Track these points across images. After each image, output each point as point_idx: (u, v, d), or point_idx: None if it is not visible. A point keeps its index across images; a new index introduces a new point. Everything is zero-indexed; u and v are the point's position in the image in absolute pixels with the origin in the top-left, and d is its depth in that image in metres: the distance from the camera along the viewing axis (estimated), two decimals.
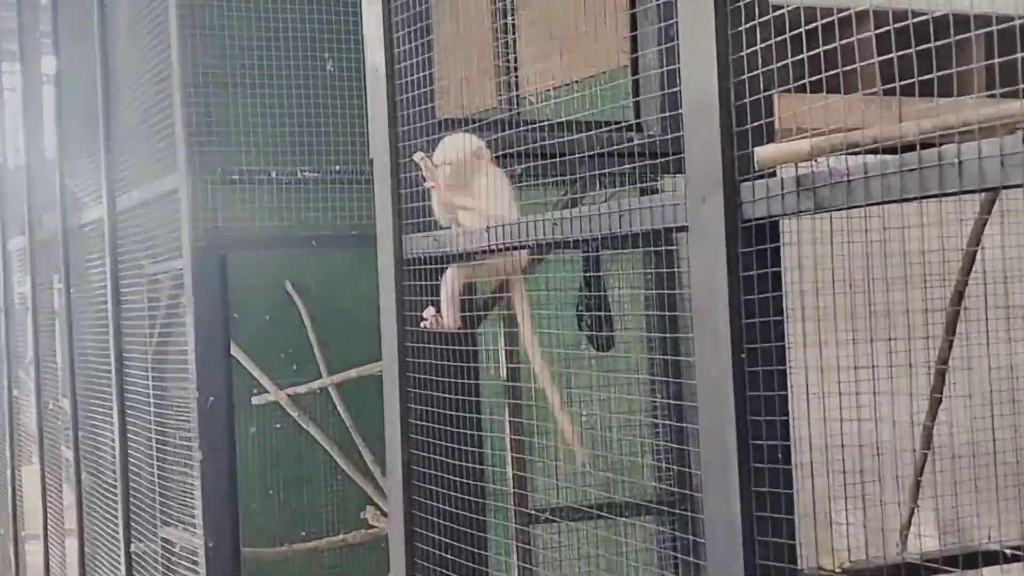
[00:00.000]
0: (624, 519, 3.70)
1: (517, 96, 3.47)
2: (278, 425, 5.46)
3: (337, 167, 4.43)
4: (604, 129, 2.57)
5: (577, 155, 2.41)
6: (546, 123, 2.45)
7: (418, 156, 2.55)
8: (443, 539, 2.58)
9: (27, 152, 7.44)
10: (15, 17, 7.59)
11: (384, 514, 5.05)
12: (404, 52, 2.65)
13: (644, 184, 3.55)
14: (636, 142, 2.21)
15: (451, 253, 2.54)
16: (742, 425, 1.64)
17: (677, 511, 3.50)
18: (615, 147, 2.25)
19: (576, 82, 3.40)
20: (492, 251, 2.48)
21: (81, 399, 5.92)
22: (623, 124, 2.93)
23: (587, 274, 3.64)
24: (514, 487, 3.74)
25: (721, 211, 1.63)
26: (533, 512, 3.85)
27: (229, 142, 4.29)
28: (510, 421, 3.72)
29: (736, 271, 1.64)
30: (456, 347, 2.64)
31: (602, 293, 3.75)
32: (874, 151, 1.53)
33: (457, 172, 2.56)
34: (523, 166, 2.68)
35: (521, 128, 2.77)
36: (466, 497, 2.57)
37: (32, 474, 7.70)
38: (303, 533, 5.37)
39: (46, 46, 6.98)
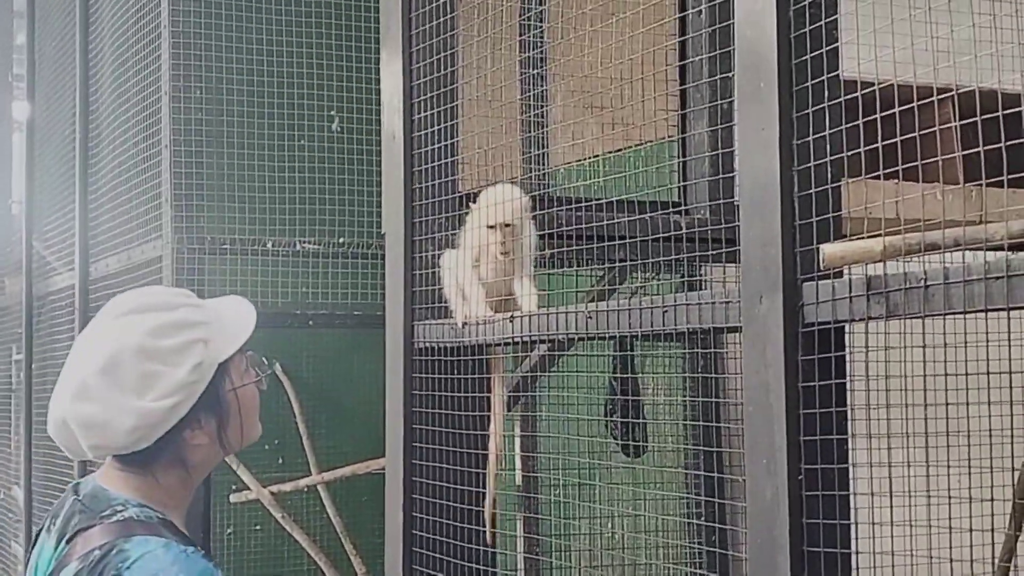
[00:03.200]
0: None
1: (547, 170, 3.51)
2: (258, 527, 5.43)
3: (341, 239, 4.46)
4: (647, 214, 2.59)
5: (616, 239, 2.43)
6: (586, 203, 2.48)
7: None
8: None
9: None
10: None
11: None
12: (424, 119, 2.69)
13: (684, 277, 3.57)
14: (684, 230, 2.23)
15: (468, 344, 2.56)
16: (797, 557, 1.63)
17: None
18: (659, 234, 2.27)
19: (614, 153, 3.45)
20: (515, 343, 2.50)
21: (36, 488, 5.91)
22: (669, 207, 2.96)
23: (617, 375, 3.65)
24: None
25: (780, 312, 1.64)
26: None
27: (221, 207, 4.33)
28: (524, 537, 3.71)
29: (795, 380, 1.65)
30: (467, 450, 2.64)
31: (634, 397, 3.76)
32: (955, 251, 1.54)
33: (513, 236, 2.60)
34: (553, 251, 2.71)
35: (553, 208, 2.80)
36: None
37: (18, 555, 7.68)
38: None
39: (19, 91, 7.09)
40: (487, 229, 2.67)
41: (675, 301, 1.92)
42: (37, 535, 2.04)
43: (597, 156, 3.31)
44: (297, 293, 4.43)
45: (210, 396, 1.93)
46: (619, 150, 3.50)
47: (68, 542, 1.91)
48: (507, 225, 2.65)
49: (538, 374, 2.81)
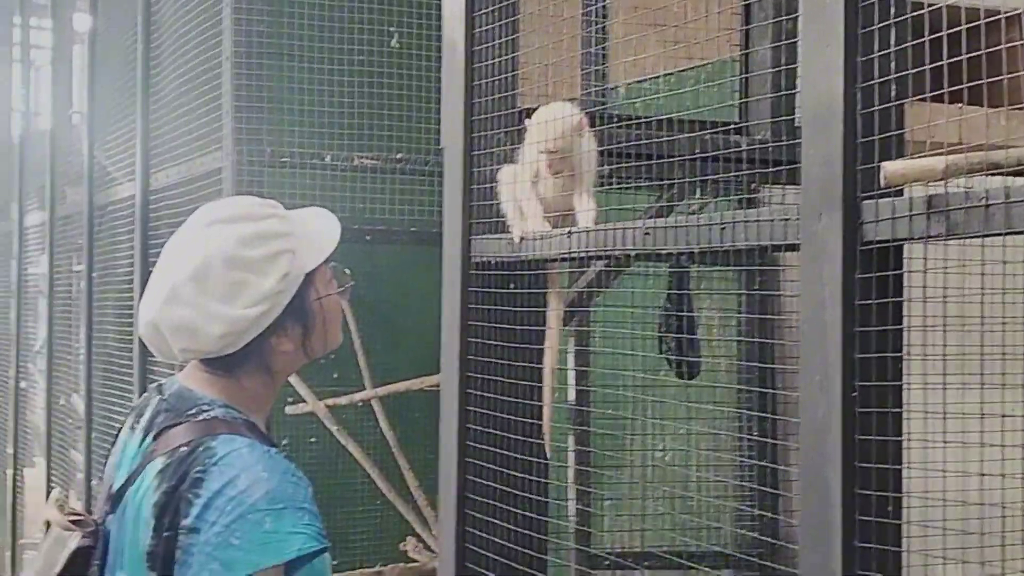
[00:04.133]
0: (701, 568, 3.72)
1: (605, 88, 3.50)
2: (313, 439, 5.53)
3: (399, 155, 4.48)
4: (706, 131, 2.59)
5: (675, 157, 2.44)
6: (642, 120, 2.48)
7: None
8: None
9: (53, 118, 7.59)
10: None
11: (426, 547, 5.09)
12: (485, 32, 2.69)
13: (743, 195, 3.57)
14: (745, 148, 2.23)
15: (527, 258, 2.58)
16: (848, 472, 1.65)
17: (763, 563, 3.51)
18: (719, 151, 2.27)
19: (674, 73, 3.44)
20: (571, 259, 2.51)
21: (97, 396, 6.03)
22: (729, 126, 2.95)
23: (672, 291, 3.66)
24: (577, 524, 3.78)
25: (839, 230, 1.65)
26: (597, 554, 3.88)
27: (281, 121, 4.36)
28: (576, 450, 3.75)
29: (852, 299, 1.66)
30: (523, 363, 2.67)
31: (689, 314, 3.77)
32: (1018, 173, 1.54)
33: (560, 156, 2.61)
34: (612, 167, 2.72)
35: (611, 125, 2.80)
36: (526, 532, 2.60)
37: (36, 477, 7.84)
38: (334, 562, 5.43)
39: (81, 2, 7.13)
40: (539, 146, 2.68)
41: (733, 218, 1.93)
42: (116, 435, 2.11)
43: (658, 75, 3.30)
44: (354, 208, 4.46)
45: (296, 305, 2.00)
46: (681, 70, 3.49)
47: (155, 439, 1.98)
48: (553, 152, 2.66)
49: (594, 290, 2.83)
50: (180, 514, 1.85)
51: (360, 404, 5.31)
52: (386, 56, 4.64)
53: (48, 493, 7.18)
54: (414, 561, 5.20)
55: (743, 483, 3.84)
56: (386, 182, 4.51)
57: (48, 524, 2.09)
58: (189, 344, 1.97)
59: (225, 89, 4.26)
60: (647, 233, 2.14)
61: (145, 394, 2.13)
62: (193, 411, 1.97)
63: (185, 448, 1.90)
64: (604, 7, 3.60)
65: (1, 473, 8.86)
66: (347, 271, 2.13)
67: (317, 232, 2.08)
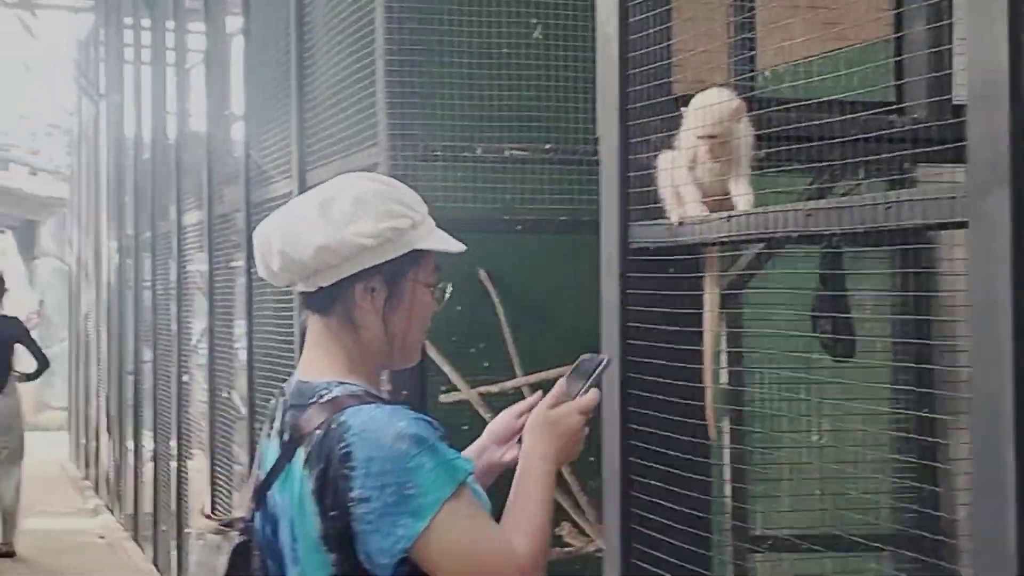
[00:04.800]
0: (856, 554, 3.71)
1: (757, 73, 3.51)
2: (466, 426, 5.60)
3: (548, 145, 4.54)
4: (861, 113, 2.60)
5: (830, 139, 2.45)
6: (797, 103, 2.50)
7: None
8: (664, 558, 2.66)
9: (209, 119, 7.82)
10: None
11: (581, 531, 5.15)
12: (638, 23, 2.73)
13: (894, 176, 3.54)
14: (903, 127, 2.23)
15: (685, 243, 2.62)
16: (1022, 447, 1.66)
17: (924, 544, 3.48)
18: (876, 132, 2.28)
19: (825, 56, 3.43)
20: (729, 243, 2.55)
21: (259, 391, 6.21)
22: (883, 107, 2.95)
23: (825, 271, 3.66)
24: (732, 508, 3.80)
25: (1008, 207, 1.66)
26: (751, 539, 3.90)
27: (433, 115, 4.46)
28: (731, 429, 3.77)
29: (1022, 274, 1.66)
30: (682, 346, 2.71)
31: (842, 293, 3.76)
32: None
33: (721, 138, 2.65)
34: (766, 150, 2.74)
35: (768, 109, 2.82)
36: (691, 512, 2.64)
37: (198, 470, 8.09)
38: None
39: (233, 3, 7.34)
40: (697, 132, 2.72)
41: (898, 197, 1.94)
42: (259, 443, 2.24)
43: (810, 57, 3.30)
44: (504, 199, 4.54)
45: (392, 269, 2.12)
46: (831, 51, 3.48)
47: (289, 435, 2.09)
48: (712, 137, 2.70)
49: (749, 272, 2.85)
50: (341, 491, 1.96)
51: (511, 391, 5.38)
52: (534, 47, 4.70)
53: (212, 485, 7.43)
54: (569, 546, 5.26)
55: (903, 465, 3.81)
56: (536, 172, 4.57)
57: (200, 535, 2.23)
58: (289, 248, 2.09)
59: (379, 86, 4.37)
60: (808, 215, 2.16)
61: (272, 401, 2.24)
62: (314, 399, 2.08)
63: (319, 431, 2.01)
64: None
65: (165, 466, 9.17)
66: (450, 288, 2.23)
67: (442, 233, 2.20)
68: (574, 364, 2.31)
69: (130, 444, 11.08)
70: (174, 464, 8.69)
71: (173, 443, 8.71)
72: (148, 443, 10.16)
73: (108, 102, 13.17)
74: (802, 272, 3.73)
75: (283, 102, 5.69)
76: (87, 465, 14.78)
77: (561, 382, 2.26)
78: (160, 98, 9.90)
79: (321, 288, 2.11)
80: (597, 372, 2.24)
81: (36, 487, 13.27)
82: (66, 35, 17.35)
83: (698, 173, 2.70)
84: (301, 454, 2.03)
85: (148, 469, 10.05)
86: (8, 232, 26.78)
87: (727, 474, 3.82)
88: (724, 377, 4.06)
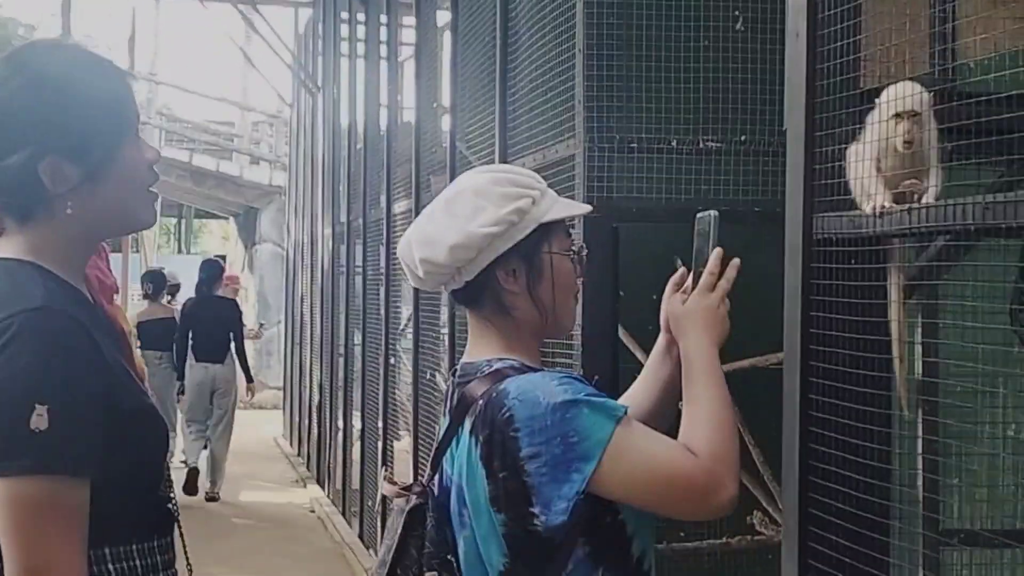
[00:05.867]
0: None
1: (953, 65, 3.50)
2: None
3: (743, 137, 4.58)
4: None
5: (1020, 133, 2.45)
6: (990, 96, 2.50)
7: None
8: (841, 554, 2.70)
9: (417, 111, 8.08)
10: None
11: (772, 521, 5.18)
12: (828, 17, 2.78)
13: None
14: None
15: (866, 235, 2.66)
16: None
17: None
18: None
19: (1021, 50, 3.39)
20: (912, 235, 2.57)
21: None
22: None
23: None
24: (924, 502, 3.78)
25: None
26: (943, 532, 3.88)
27: (629, 108, 4.55)
28: (924, 420, 3.75)
29: None
30: (869, 336, 2.74)
31: None
32: None
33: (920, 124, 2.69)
34: (954, 143, 2.75)
35: (957, 102, 2.83)
36: (871, 499, 2.68)
37: (404, 450, 8.37)
38: (682, 533, 5.58)
39: None
40: (891, 121, 2.75)
41: None
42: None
43: (1014, 51, 3.26)
44: (699, 190, 4.59)
45: (526, 247, 2.24)
46: None
47: (455, 407, 2.23)
48: (915, 114, 2.73)
49: (937, 264, 2.86)
50: (510, 453, 2.09)
51: None
52: (731, 40, 4.73)
53: (414, 464, 7.69)
54: (761, 534, 5.29)
55: None
56: (730, 163, 4.61)
57: (384, 499, 2.41)
58: (428, 254, 2.23)
59: (578, 80, 4.48)
60: (986, 208, 2.18)
61: (447, 383, 2.39)
62: (477, 373, 2.22)
63: (481, 401, 2.15)
64: None
65: (373, 444, 9.50)
66: (584, 248, 2.33)
67: (566, 201, 2.31)
68: (694, 230, 2.38)
69: (340, 423, 11.50)
70: (380, 443, 8.99)
71: (380, 423, 9.01)
72: (356, 422, 10.54)
73: (324, 94, 13.64)
74: (1001, 265, 3.69)
75: (487, 95, 5.86)
76: (299, 442, 15.37)
77: (676, 277, 2.34)
78: (373, 90, 10.23)
79: (467, 283, 2.25)
80: (714, 229, 2.32)
81: (251, 462, 13.93)
82: (286, 30, 18.03)
83: (885, 165, 2.74)
84: (467, 424, 2.17)
85: (356, 447, 10.44)
86: (231, 219, 27.93)
87: (919, 464, 3.81)
88: (919, 367, 4.05)
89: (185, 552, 2.35)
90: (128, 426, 2.06)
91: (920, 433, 3.82)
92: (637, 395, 2.49)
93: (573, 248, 2.31)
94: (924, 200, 2.61)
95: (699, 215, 2.41)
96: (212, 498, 12.04)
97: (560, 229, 2.29)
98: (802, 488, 2.78)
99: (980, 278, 3.48)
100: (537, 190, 2.26)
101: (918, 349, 3.90)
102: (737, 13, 4.80)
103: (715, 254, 2.35)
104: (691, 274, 2.37)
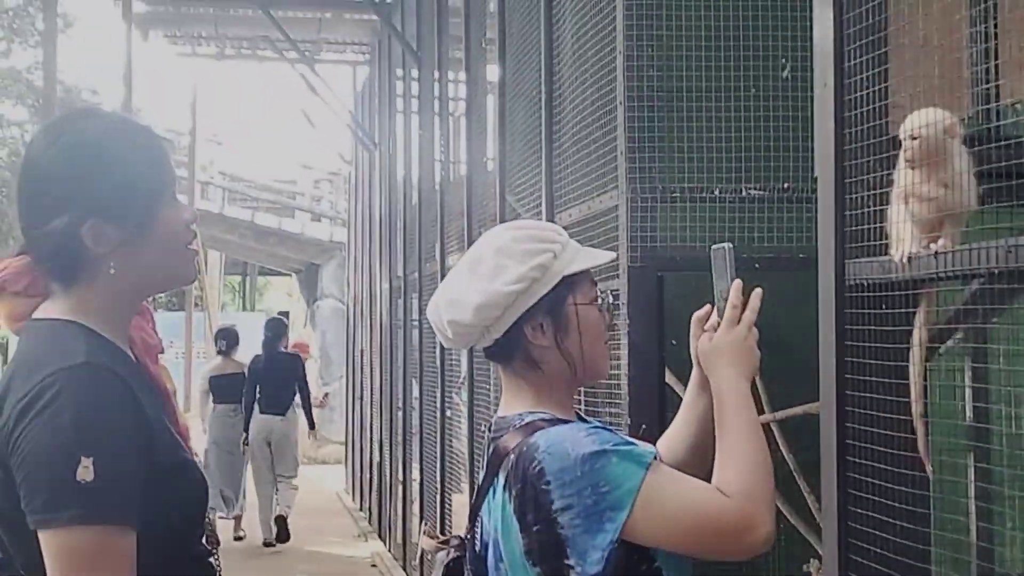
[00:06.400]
0: None
1: (987, 108, 3.51)
2: None
3: (785, 184, 4.60)
4: None
5: None
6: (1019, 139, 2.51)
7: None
8: None
9: (468, 165, 8.17)
10: (462, 24, 8.37)
11: None
12: (856, 66, 2.81)
13: None
14: None
15: (897, 280, 2.67)
16: None
17: None
18: None
19: None
20: (940, 279, 2.58)
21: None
22: None
23: None
24: (979, 543, 3.75)
25: None
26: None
27: (672, 158, 4.58)
28: (976, 467, 3.73)
29: None
30: (904, 380, 2.74)
31: None
32: None
33: (923, 149, 2.68)
34: (987, 186, 2.76)
35: (988, 145, 2.84)
36: (911, 544, 2.67)
37: (462, 503, 8.39)
38: None
39: (491, 54, 7.66)
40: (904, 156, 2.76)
41: None
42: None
43: None
44: (743, 238, 4.60)
45: (551, 301, 2.28)
46: None
47: (489, 461, 2.27)
48: (914, 137, 2.74)
49: (971, 307, 2.86)
50: (542, 506, 2.11)
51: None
52: (772, 90, 4.75)
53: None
54: None
55: None
56: (773, 211, 4.62)
57: (423, 552, 2.45)
58: (454, 315, 2.27)
59: (619, 132, 4.53)
60: (1009, 251, 2.20)
61: (484, 439, 2.42)
62: (510, 428, 2.25)
63: (513, 456, 2.18)
64: (994, 27, 3.60)
65: (432, 497, 9.52)
66: (614, 298, 2.37)
67: (588, 250, 2.34)
68: (711, 263, 2.41)
69: (400, 476, 11.54)
70: (439, 496, 9.02)
71: (438, 476, 9.04)
72: (416, 475, 10.57)
73: (381, 150, 13.82)
74: None
75: (534, 148, 5.93)
76: (361, 496, 15.42)
77: (700, 313, 2.36)
78: (427, 145, 10.36)
79: (496, 340, 2.28)
80: (730, 262, 2.33)
81: (314, 516, 14.01)
82: (345, 88, 18.29)
83: (913, 206, 2.75)
84: (501, 478, 2.20)
85: (416, 501, 10.47)
86: (293, 275, 28.23)
87: (971, 510, 3.78)
88: (968, 412, 4.02)
89: None
90: (168, 479, 2.12)
91: (972, 479, 3.80)
92: (678, 431, 2.51)
93: (600, 296, 2.35)
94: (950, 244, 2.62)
95: (714, 248, 2.44)
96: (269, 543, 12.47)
97: (584, 279, 2.32)
98: (841, 535, 2.79)
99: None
100: (558, 243, 2.29)
101: (968, 393, 3.89)
102: (784, 61, 4.83)
103: (735, 286, 2.37)
104: (714, 309, 2.39)
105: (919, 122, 2.74)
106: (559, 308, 2.28)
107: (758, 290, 2.36)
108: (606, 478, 2.10)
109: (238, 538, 12.65)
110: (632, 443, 2.17)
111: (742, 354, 2.31)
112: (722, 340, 2.32)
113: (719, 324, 2.36)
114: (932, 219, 2.71)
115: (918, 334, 2.78)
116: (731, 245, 2.40)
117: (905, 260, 2.66)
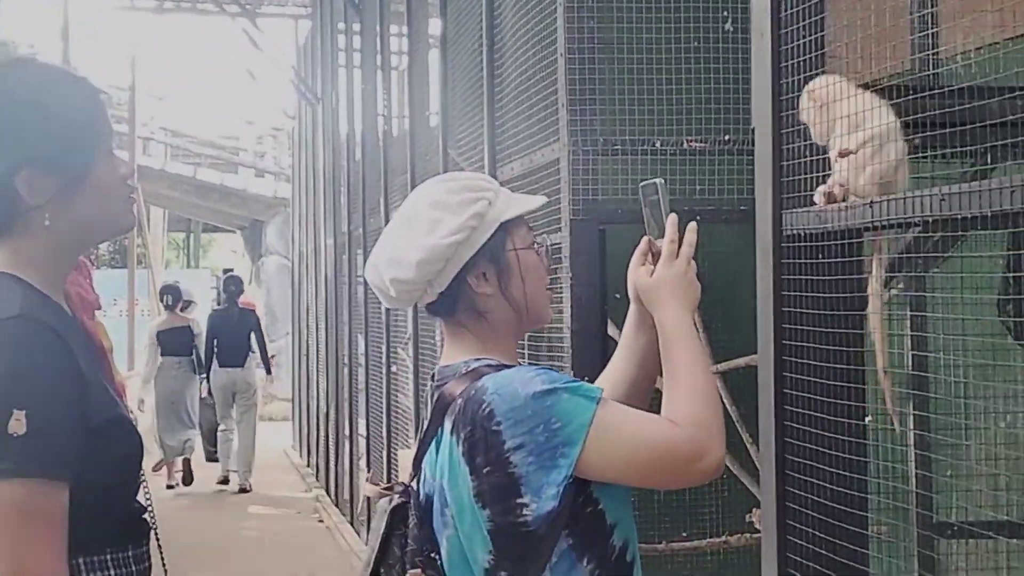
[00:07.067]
0: None
1: (932, 57, 3.52)
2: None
3: (726, 137, 4.61)
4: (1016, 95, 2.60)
5: (987, 125, 2.47)
6: (947, 89, 2.52)
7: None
8: (820, 549, 2.72)
9: (411, 119, 8.12)
10: None
11: None
12: (792, 15, 2.81)
13: None
14: None
15: (832, 230, 2.68)
16: None
17: None
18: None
19: (1010, 41, 3.41)
20: (878, 228, 2.59)
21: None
22: None
23: (1011, 252, 3.62)
24: (917, 494, 3.80)
25: None
26: (935, 527, 3.89)
27: (613, 111, 4.57)
28: (915, 415, 3.78)
29: None
30: (842, 329, 2.76)
31: None
32: None
33: (820, 112, 2.71)
34: (919, 135, 2.78)
35: (925, 93, 2.85)
36: (848, 492, 2.70)
37: (408, 457, 8.38)
38: (684, 533, 5.60)
39: (433, 8, 7.61)
40: None
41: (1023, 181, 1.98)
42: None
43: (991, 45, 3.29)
44: (684, 190, 4.61)
45: (490, 248, 2.28)
46: (1011, 38, 3.45)
47: (434, 407, 2.27)
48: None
49: (923, 255, 2.88)
50: (494, 447, 2.11)
51: None
52: (715, 41, 4.75)
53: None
54: (758, 532, 5.30)
55: None
56: (715, 163, 4.63)
57: (368, 499, 2.45)
58: (396, 273, 2.27)
59: (560, 84, 4.52)
60: (942, 199, 2.21)
61: (427, 388, 2.42)
62: (454, 374, 2.25)
63: (460, 400, 2.19)
64: None
65: (378, 453, 9.53)
66: (546, 242, 2.38)
67: (521, 196, 2.34)
68: (641, 200, 2.40)
69: (347, 431, 11.54)
70: (385, 452, 9.03)
71: (384, 431, 9.05)
72: (362, 430, 10.57)
73: (324, 105, 13.71)
74: (987, 255, 3.71)
75: (476, 102, 5.90)
76: (308, 452, 15.42)
77: (643, 246, 2.37)
78: (370, 100, 10.28)
79: (440, 294, 2.28)
80: (663, 196, 2.34)
81: (262, 473, 13.98)
82: (287, 42, 18.11)
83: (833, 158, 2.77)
84: (447, 424, 2.20)
85: (363, 457, 10.47)
86: (238, 232, 28.04)
87: (911, 458, 3.83)
88: (907, 361, 4.06)
89: (163, 561, 2.39)
90: (102, 436, 2.10)
91: (912, 427, 3.85)
92: (616, 370, 2.52)
93: (536, 241, 2.35)
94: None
95: (643, 183, 2.43)
96: (244, 489, 13.35)
97: (521, 225, 2.33)
98: (779, 484, 2.82)
99: (967, 269, 3.51)
100: (491, 191, 2.29)
101: (906, 342, 3.93)
102: (725, 14, 4.83)
103: (670, 221, 2.38)
104: (647, 242, 2.40)
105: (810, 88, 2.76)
106: (500, 255, 2.28)
107: (693, 224, 2.37)
108: (557, 414, 2.11)
109: (170, 487, 13.45)
110: (579, 380, 2.18)
111: (683, 287, 2.32)
112: (662, 275, 2.33)
113: (655, 259, 2.37)
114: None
115: (873, 283, 2.80)
116: (663, 180, 2.40)
117: (832, 207, 2.67)
